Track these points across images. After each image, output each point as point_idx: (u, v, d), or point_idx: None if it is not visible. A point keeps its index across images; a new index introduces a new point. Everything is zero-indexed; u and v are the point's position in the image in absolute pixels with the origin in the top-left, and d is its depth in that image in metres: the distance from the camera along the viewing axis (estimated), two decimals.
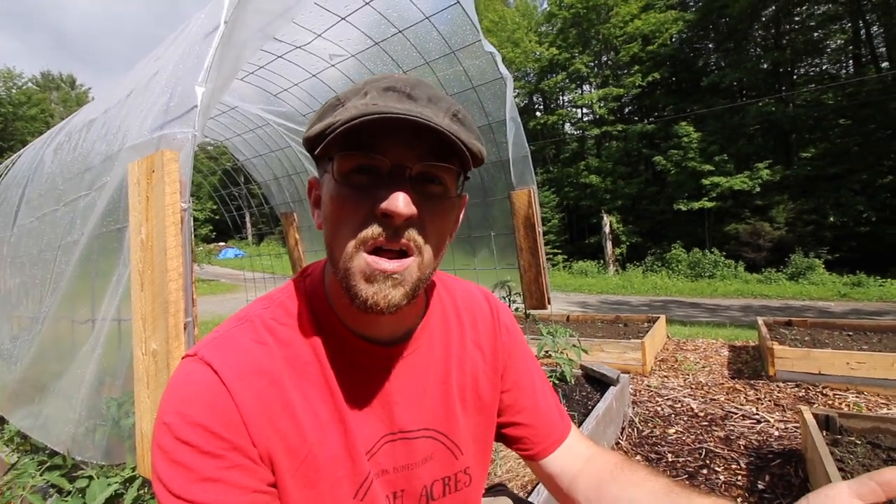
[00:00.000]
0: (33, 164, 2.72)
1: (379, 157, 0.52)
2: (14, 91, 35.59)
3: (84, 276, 1.66)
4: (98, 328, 1.53)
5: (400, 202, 0.51)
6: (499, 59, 2.68)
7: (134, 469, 1.38)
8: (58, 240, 1.91)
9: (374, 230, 0.52)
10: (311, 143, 0.56)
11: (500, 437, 0.81)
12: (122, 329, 1.44)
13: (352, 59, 3.02)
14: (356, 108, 0.50)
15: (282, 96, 3.54)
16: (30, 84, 41.12)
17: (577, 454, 0.77)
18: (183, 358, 0.58)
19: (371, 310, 0.53)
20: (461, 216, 0.67)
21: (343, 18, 2.60)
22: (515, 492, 2.04)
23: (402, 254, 0.54)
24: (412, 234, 0.53)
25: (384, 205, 0.51)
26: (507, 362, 0.79)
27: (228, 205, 6.46)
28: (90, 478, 1.39)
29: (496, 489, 0.98)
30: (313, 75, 3.22)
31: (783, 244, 17.02)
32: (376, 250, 0.53)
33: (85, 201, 1.78)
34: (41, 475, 1.68)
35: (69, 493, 1.42)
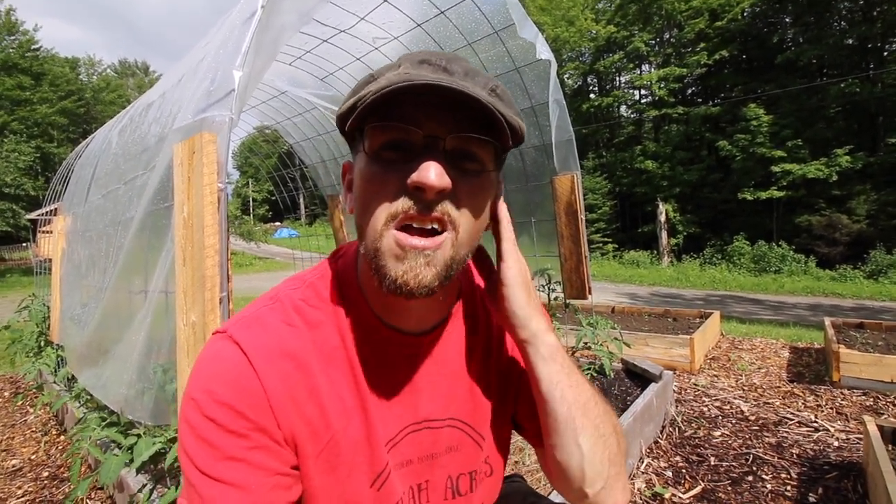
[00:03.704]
0: (103, 145, 2.95)
1: (411, 128, 0.49)
2: (95, 78, 38.63)
3: (138, 250, 1.79)
4: (149, 299, 1.65)
5: (432, 173, 0.47)
6: (541, 42, 2.57)
7: (176, 431, 1.48)
8: (119, 216, 2.07)
9: (404, 203, 0.49)
10: (342, 120, 0.54)
11: (514, 425, 0.79)
12: (169, 301, 1.53)
13: (395, 42, 3.01)
14: (387, 80, 0.49)
15: (328, 80, 3.60)
16: (108, 71, 44.55)
17: None
18: (213, 333, 0.58)
19: (401, 290, 0.50)
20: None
21: (385, 0, 2.59)
22: (544, 483, 2.02)
23: (435, 232, 0.51)
24: (446, 208, 0.50)
25: (415, 176, 0.48)
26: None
27: (283, 186, 6.71)
28: (139, 436, 1.52)
29: (512, 479, 0.97)
30: (358, 59, 3.24)
31: (863, 239, 15.54)
32: (407, 227, 0.50)
33: (141, 180, 1.90)
34: (102, 430, 1.85)
35: (122, 448, 1.56)
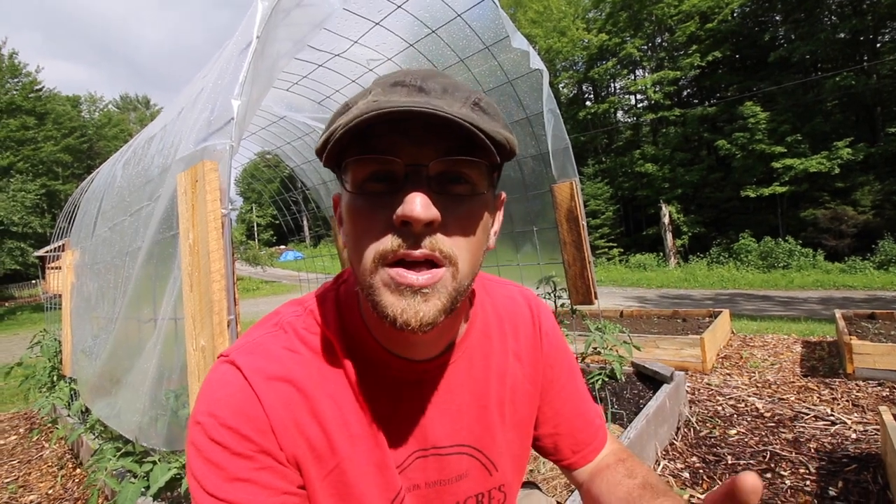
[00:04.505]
0: (108, 179, 3.02)
1: (391, 158, 0.47)
2: (97, 114, 39.37)
3: (146, 279, 1.82)
4: (159, 326, 1.67)
5: (417, 205, 0.45)
6: (532, 53, 2.62)
7: None
8: (126, 247, 2.11)
9: (392, 241, 0.47)
10: (319, 155, 0.52)
11: (537, 448, 0.79)
12: (178, 327, 1.56)
13: (389, 63, 3.07)
14: (358, 109, 0.46)
15: (325, 103, 3.67)
16: (110, 107, 45.44)
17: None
18: (218, 358, 0.59)
19: (403, 328, 0.48)
20: (501, 216, 0.62)
21: (377, 24, 2.66)
22: (559, 491, 2.01)
23: (430, 264, 0.48)
24: (435, 243, 0.47)
25: (399, 210, 0.45)
26: (548, 374, 0.75)
27: (286, 210, 6.79)
28: (154, 463, 1.53)
29: (527, 485, 0.96)
30: (353, 80, 3.31)
31: (870, 229, 15.44)
32: (400, 264, 0.47)
33: (146, 211, 1.94)
34: (118, 460, 1.86)
35: (137, 476, 1.58)
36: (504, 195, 0.63)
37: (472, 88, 0.52)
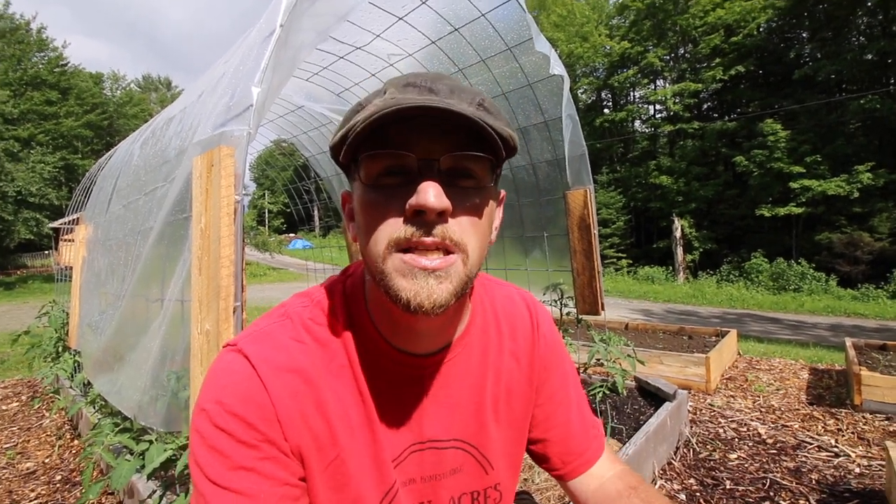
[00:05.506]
0: (125, 157, 3.04)
1: (405, 153, 0.49)
2: (119, 92, 39.74)
3: (156, 259, 1.83)
4: (165, 307, 1.68)
5: (430, 195, 0.47)
6: (554, 57, 2.59)
7: (188, 438, 1.50)
8: (138, 226, 2.13)
9: (406, 230, 0.49)
10: (335, 151, 0.55)
11: (530, 453, 0.78)
12: (185, 309, 1.56)
13: (409, 59, 3.06)
14: (375, 106, 0.49)
15: (343, 95, 3.67)
16: (132, 86, 45.83)
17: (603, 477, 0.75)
18: (224, 346, 0.60)
19: (416, 311, 0.49)
20: (501, 215, 0.64)
21: (400, 18, 2.65)
22: (552, 503, 1.99)
23: (441, 251, 0.50)
24: (446, 232, 0.49)
25: (413, 199, 0.48)
26: (544, 376, 0.75)
27: (298, 199, 6.81)
28: (150, 442, 1.54)
29: (520, 497, 0.95)
30: (373, 75, 3.31)
31: (886, 257, 15.16)
32: (411, 251, 0.50)
33: (161, 192, 1.95)
34: (115, 436, 1.88)
35: (134, 453, 1.59)
36: (504, 193, 0.65)
37: (476, 90, 0.55)
